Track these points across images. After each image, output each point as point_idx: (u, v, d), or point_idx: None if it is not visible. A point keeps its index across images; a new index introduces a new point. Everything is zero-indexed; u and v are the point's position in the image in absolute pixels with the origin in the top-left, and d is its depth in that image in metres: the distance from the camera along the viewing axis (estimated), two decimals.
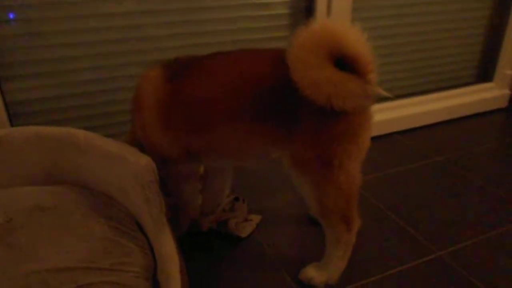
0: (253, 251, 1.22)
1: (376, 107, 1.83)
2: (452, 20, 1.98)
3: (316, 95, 0.83)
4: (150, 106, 1.02)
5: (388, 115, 1.92)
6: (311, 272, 1.08)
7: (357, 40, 0.83)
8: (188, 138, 1.02)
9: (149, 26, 1.41)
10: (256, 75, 0.95)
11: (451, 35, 2.01)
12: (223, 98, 0.97)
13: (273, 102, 0.93)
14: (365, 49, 0.84)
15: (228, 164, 1.19)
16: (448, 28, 1.99)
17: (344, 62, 0.83)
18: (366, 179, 1.56)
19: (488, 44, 2.15)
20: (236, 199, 1.35)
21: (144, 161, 0.92)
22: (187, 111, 1.00)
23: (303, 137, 0.93)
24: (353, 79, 0.84)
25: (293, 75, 0.84)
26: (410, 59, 1.97)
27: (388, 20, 1.82)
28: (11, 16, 1.24)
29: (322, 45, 0.82)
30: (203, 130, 1.00)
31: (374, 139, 1.83)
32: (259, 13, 1.55)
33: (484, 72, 2.21)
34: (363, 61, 0.84)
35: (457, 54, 2.10)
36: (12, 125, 1.33)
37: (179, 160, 1.07)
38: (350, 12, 1.63)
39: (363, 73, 0.84)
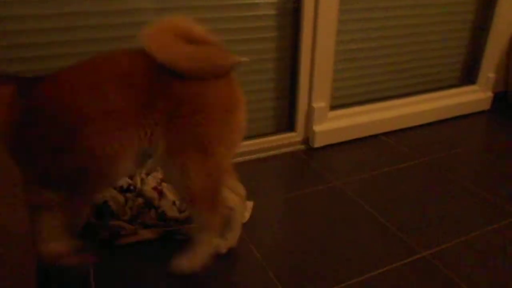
0: (241, 251, 1.21)
1: (362, 108, 1.89)
2: (436, 23, 2.00)
3: (188, 63, 0.91)
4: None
5: (374, 116, 1.93)
6: (183, 263, 1.10)
7: (196, 25, 0.96)
8: (57, 158, 0.91)
9: (132, 25, 1.39)
10: (118, 71, 0.93)
11: (435, 38, 2.04)
12: (91, 102, 0.90)
13: (142, 93, 0.92)
14: (206, 30, 0.96)
15: (101, 184, 1.05)
16: (432, 31, 2.01)
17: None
18: (352, 180, 1.58)
19: (472, 47, 2.19)
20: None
21: None
22: (53, 128, 0.90)
23: (178, 122, 0.94)
24: (212, 46, 0.97)
25: (158, 55, 0.90)
26: (395, 61, 1.99)
27: (374, 23, 1.83)
28: None
29: (174, 30, 0.93)
30: (75, 141, 0.90)
31: (360, 140, 1.89)
32: (246, 13, 1.55)
33: (468, 74, 2.24)
34: (210, 38, 0.96)
35: (441, 57, 2.12)
36: None
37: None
38: (336, 14, 1.64)
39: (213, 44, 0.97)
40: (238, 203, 1.19)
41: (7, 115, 0.87)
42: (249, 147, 1.72)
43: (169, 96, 0.92)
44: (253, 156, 1.74)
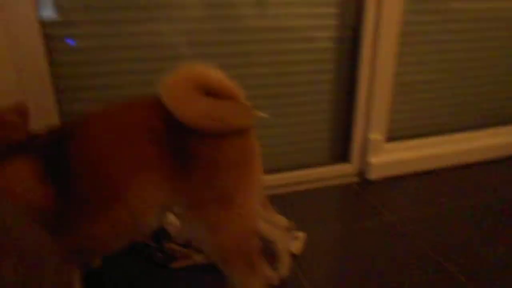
0: (292, 284, 1.20)
1: (421, 141, 1.83)
2: (501, 55, 1.92)
3: (203, 122, 0.87)
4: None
5: (434, 150, 1.87)
6: None
7: (218, 74, 0.92)
8: (94, 228, 0.89)
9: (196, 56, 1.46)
10: (140, 124, 0.90)
11: (500, 70, 1.95)
12: (119, 157, 0.88)
13: (164, 147, 0.89)
14: (227, 80, 0.92)
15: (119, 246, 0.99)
16: (496, 64, 1.93)
17: (214, 95, 0.90)
18: (410, 216, 1.52)
19: None
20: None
21: None
22: (86, 197, 0.87)
23: (196, 177, 0.90)
24: (232, 101, 0.92)
25: (173, 111, 0.87)
26: (456, 93, 1.92)
27: (435, 55, 1.79)
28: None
29: (192, 82, 0.88)
30: (112, 205, 0.89)
31: (418, 174, 1.82)
32: (303, 46, 1.57)
33: None
34: (230, 89, 0.92)
35: (506, 90, 2.02)
36: None
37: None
38: (396, 45, 1.62)
39: (235, 98, 0.93)
40: (278, 234, 1.16)
41: (37, 193, 0.84)
42: (302, 177, 1.72)
43: (186, 150, 0.89)
44: (306, 186, 1.73)
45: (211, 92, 0.89)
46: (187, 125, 0.87)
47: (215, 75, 0.91)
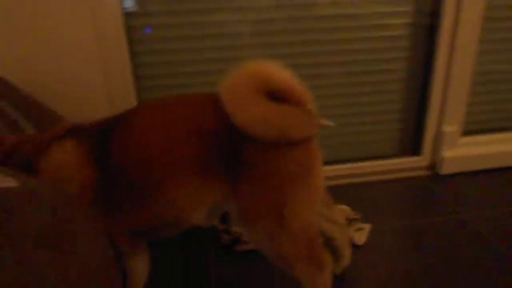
0: (355, 275, 1.19)
1: (499, 136, 1.71)
2: None
3: (266, 129, 0.80)
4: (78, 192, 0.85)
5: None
6: None
7: (285, 75, 0.84)
8: (134, 216, 0.89)
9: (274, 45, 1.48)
10: (193, 121, 0.85)
11: None
12: (168, 154, 0.85)
13: (215, 149, 0.83)
14: (295, 82, 0.84)
15: (168, 234, 1.00)
16: None
17: (279, 98, 0.82)
18: (484, 215, 1.44)
19: None
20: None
21: None
22: (127, 186, 0.86)
23: (250, 186, 0.84)
24: (296, 108, 0.83)
25: (232, 115, 0.80)
26: None
27: None
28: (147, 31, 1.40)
29: (255, 82, 0.81)
30: (151, 197, 0.86)
31: (495, 171, 1.70)
32: (378, 34, 1.53)
33: None
34: (297, 93, 0.83)
35: None
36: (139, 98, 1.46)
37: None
38: (478, 32, 1.52)
39: (301, 104, 0.84)
40: (339, 231, 1.15)
41: (83, 174, 0.85)
42: (371, 168, 1.68)
43: (240, 156, 0.83)
44: (375, 178, 1.69)
45: (275, 94, 0.82)
46: (241, 129, 0.80)
47: (282, 75, 0.83)
